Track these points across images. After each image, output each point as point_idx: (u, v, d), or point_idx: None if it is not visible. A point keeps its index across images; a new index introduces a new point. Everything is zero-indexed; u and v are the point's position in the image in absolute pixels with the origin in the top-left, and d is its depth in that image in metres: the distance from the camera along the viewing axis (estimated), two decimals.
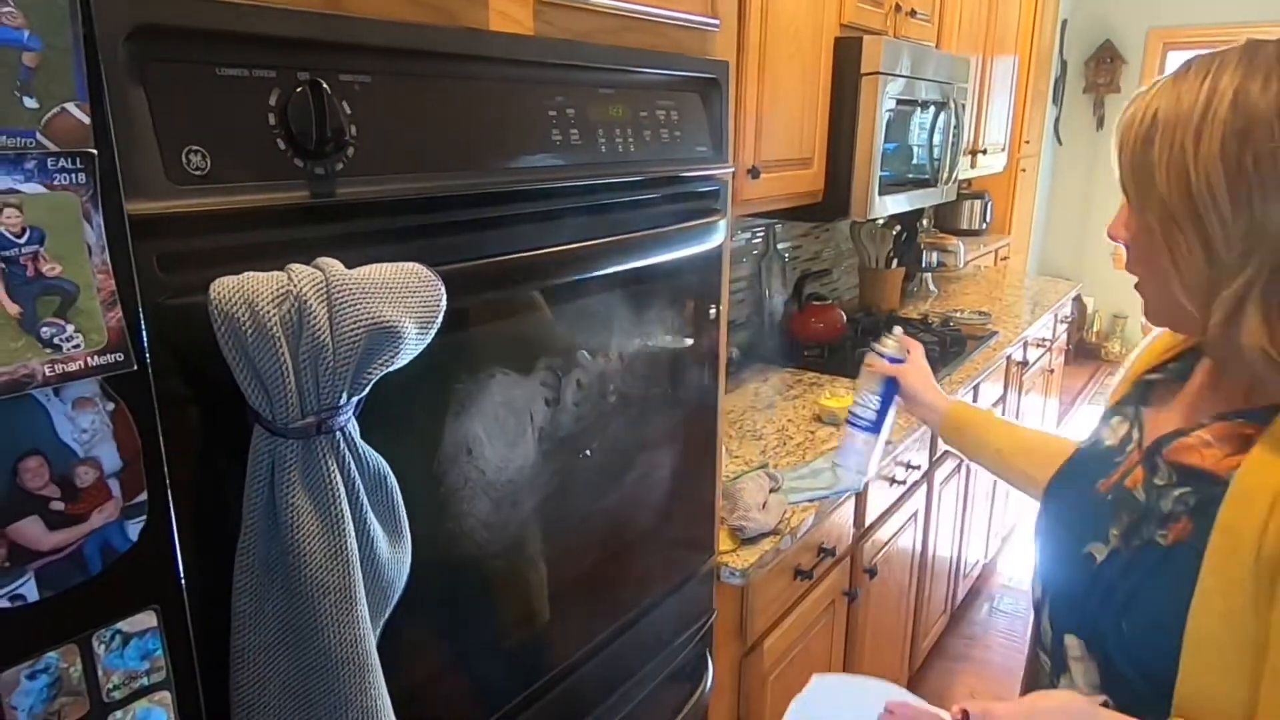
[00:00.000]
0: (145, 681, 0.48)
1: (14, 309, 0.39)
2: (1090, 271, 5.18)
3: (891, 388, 1.26)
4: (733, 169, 1.23)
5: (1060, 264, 5.33)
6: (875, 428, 1.28)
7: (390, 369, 0.68)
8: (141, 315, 0.47)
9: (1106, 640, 0.76)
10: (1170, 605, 0.70)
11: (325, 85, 0.68)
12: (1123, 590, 0.75)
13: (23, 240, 0.39)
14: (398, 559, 0.77)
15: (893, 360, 1.25)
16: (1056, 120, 5.07)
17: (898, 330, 1.30)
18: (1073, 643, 0.81)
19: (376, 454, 0.72)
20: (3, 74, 0.38)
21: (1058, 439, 1.11)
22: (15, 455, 0.41)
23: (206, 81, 0.63)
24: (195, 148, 0.62)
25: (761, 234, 2.48)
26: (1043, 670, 0.87)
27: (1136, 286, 0.78)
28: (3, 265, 0.39)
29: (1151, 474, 0.77)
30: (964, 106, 2.51)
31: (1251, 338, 0.68)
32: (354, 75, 0.72)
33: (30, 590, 0.43)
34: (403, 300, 0.69)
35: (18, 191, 0.39)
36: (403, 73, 0.76)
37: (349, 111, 0.71)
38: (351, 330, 0.65)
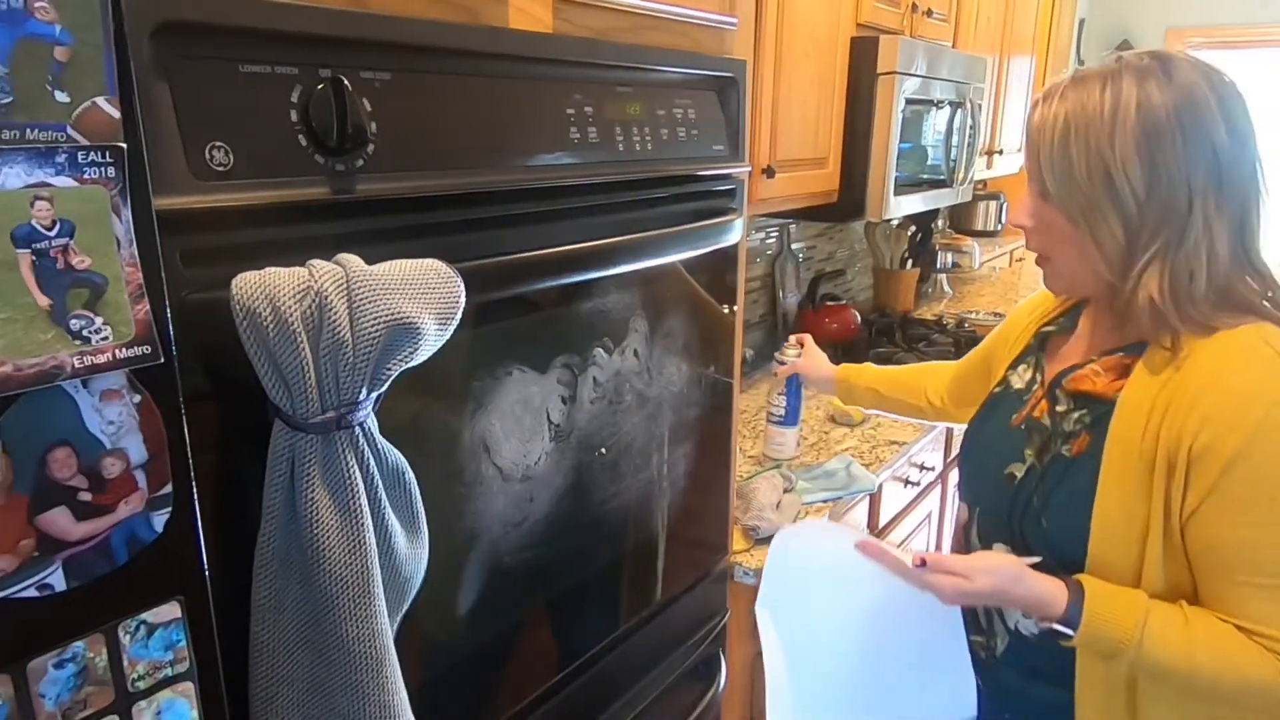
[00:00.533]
0: (169, 672, 0.49)
1: (44, 301, 0.40)
2: None
3: (795, 383, 1.61)
4: (749, 168, 1.23)
5: None
6: (789, 420, 1.68)
7: (409, 365, 0.68)
8: (168, 308, 0.48)
9: (1031, 539, 0.92)
10: (1078, 501, 0.87)
11: (346, 82, 0.68)
12: (1040, 496, 0.92)
13: (53, 233, 0.40)
14: (415, 555, 0.77)
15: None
16: None
17: (791, 338, 1.60)
18: (1001, 549, 0.97)
19: (395, 450, 0.72)
20: (35, 68, 0.38)
21: (921, 367, 1.40)
22: (45, 446, 0.42)
23: (230, 78, 0.63)
24: (218, 144, 0.62)
25: (775, 234, 2.47)
26: None
27: (1039, 261, 0.95)
28: (34, 257, 0.39)
29: (1054, 404, 0.95)
30: (980, 107, 2.50)
31: (1147, 293, 0.84)
32: (374, 72, 0.72)
33: (58, 580, 0.43)
34: (422, 296, 0.69)
35: (49, 185, 0.39)
36: (422, 70, 0.76)
37: (369, 109, 0.71)
38: (371, 326, 0.65)
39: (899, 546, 1.05)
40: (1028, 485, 0.94)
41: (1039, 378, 1.01)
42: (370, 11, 0.73)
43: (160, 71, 0.58)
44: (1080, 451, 0.90)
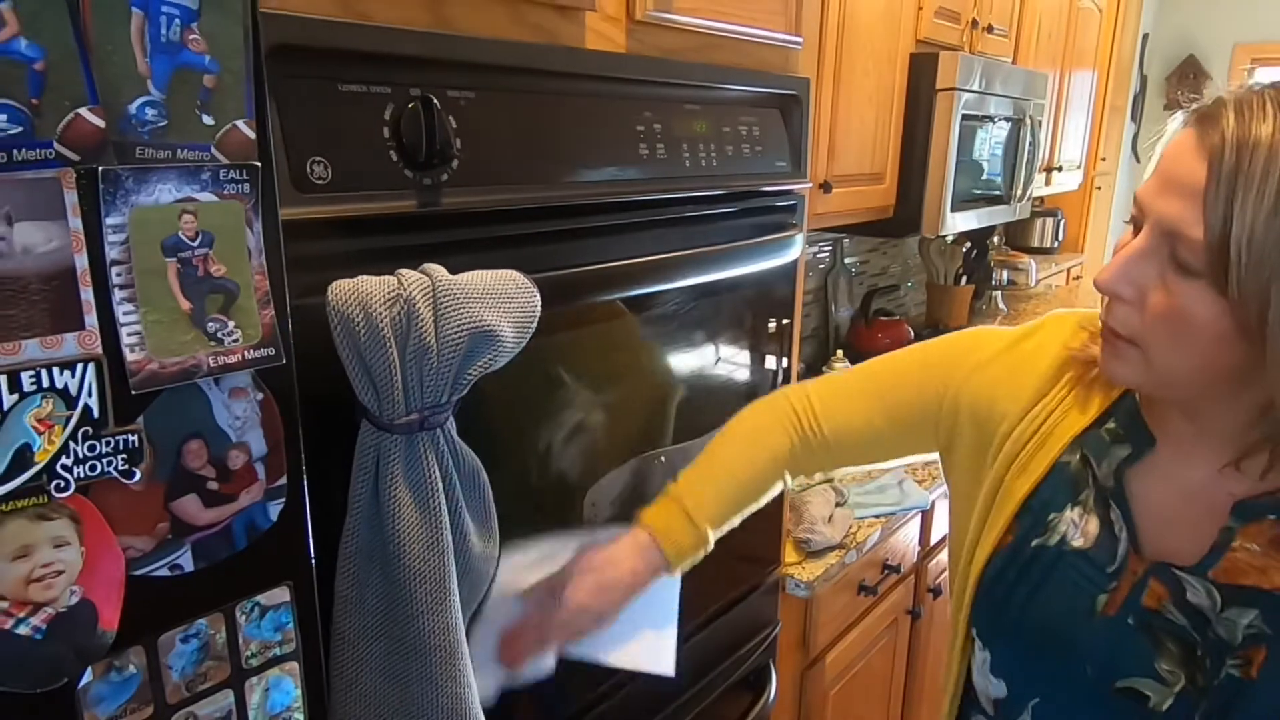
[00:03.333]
0: (278, 652, 0.52)
1: (186, 305, 0.44)
2: None
3: None
4: (810, 184, 1.24)
5: None
6: None
7: (489, 370, 0.72)
8: (289, 314, 0.52)
9: None
10: None
11: (435, 101, 0.72)
12: None
13: (196, 243, 0.44)
14: (488, 553, 0.80)
15: None
16: (1135, 137, 4.93)
17: (839, 353, 1.61)
18: None
19: (472, 452, 0.75)
20: (188, 94, 0.43)
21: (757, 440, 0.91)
22: (182, 437, 0.46)
23: (330, 97, 0.68)
24: (318, 159, 0.67)
25: (829, 248, 2.47)
26: None
27: (1112, 339, 0.64)
28: (179, 266, 0.43)
29: (1178, 590, 0.66)
30: (1040, 123, 2.47)
31: None
32: (460, 91, 0.76)
33: (187, 561, 0.47)
34: (502, 305, 0.72)
35: (195, 200, 0.43)
36: (504, 89, 0.80)
37: (455, 126, 0.75)
38: (455, 333, 0.68)
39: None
40: (1182, 716, 0.66)
41: (1124, 537, 0.69)
42: (458, 34, 0.77)
43: (271, 91, 0.62)
44: (1260, 669, 0.62)
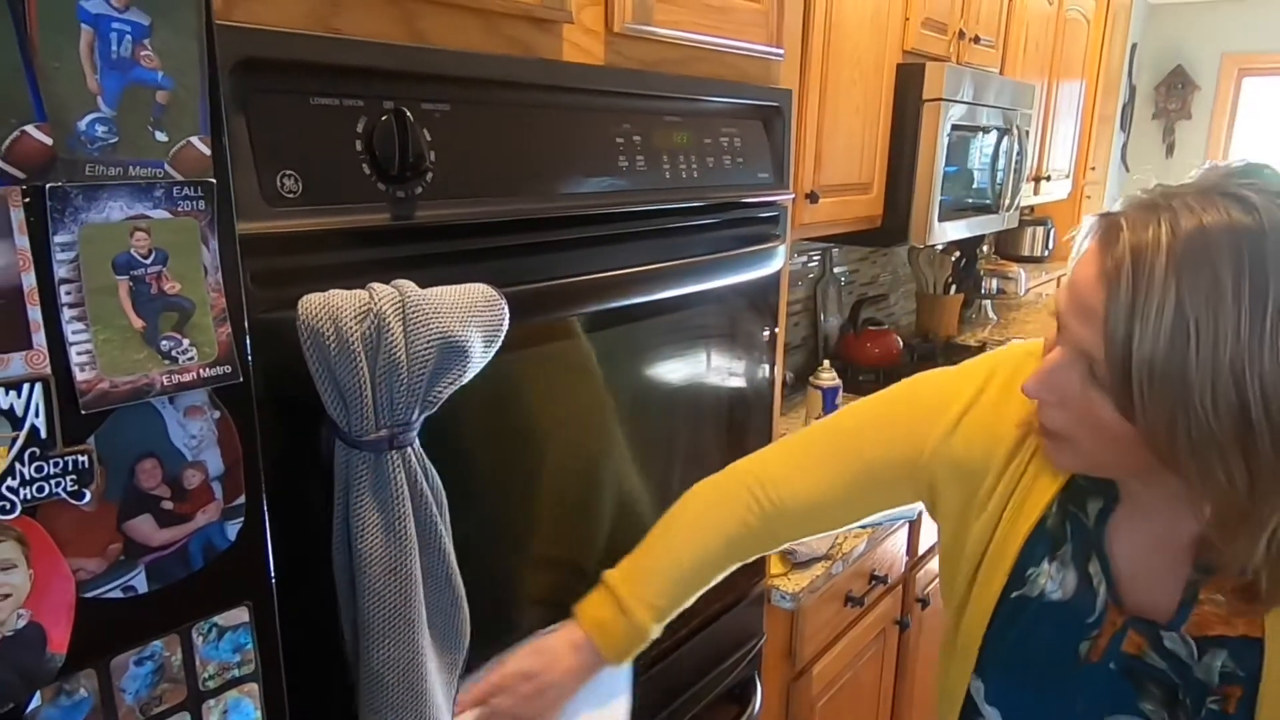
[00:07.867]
0: (236, 673, 0.52)
1: (139, 323, 0.43)
2: None
3: (833, 403, 1.60)
4: (792, 196, 1.24)
5: None
6: None
7: (458, 385, 0.71)
8: (247, 331, 0.51)
9: None
10: None
11: (409, 114, 0.71)
12: None
13: (149, 261, 0.43)
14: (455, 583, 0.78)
15: (829, 390, 1.63)
16: (1124, 147, 4.95)
17: (826, 362, 1.62)
18: None
19: (435, 472, 0.74)
20: (139, 111, 0.42)
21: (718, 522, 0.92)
22: (134, 457, 0.45)
23: (301, 110, 0.67)
24: (289, 172, 0.66)
25: (818, 257, 2.48)
26: None
27: (1046, 435, 0.67)
28: (131, 284, 0.43)
29: (1155, 639, 0.69)
30: (1027, 133, 2.48)
31: (1258, 559, 0.60)
32: (435, 104, 0.76)
33: (141, 583, 0.47)
34: (471, 319, 0.71)
35: (147, 217, 0.43)
36: (480, 101, 0.80)
37: (429, 138, 0.75)
38: (425, 347, 0.68)
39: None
40: None
41: (1103, 590, 0.72)
42: (431, 46, 0.77)
43: (239, 105, 0.62)
44: (1237, 704, 0.67)
